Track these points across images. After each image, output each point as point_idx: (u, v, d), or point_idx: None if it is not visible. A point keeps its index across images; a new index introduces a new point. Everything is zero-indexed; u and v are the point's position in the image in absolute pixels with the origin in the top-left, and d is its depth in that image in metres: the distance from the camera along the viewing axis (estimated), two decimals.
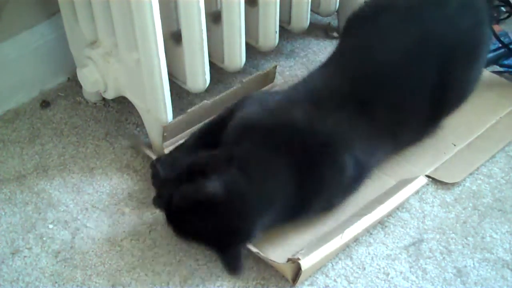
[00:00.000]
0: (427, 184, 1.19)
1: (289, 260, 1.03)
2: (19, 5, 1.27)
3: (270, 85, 1.34)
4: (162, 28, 1.05)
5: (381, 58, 1.13)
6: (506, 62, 1.41)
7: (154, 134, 1.20)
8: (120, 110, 1.35)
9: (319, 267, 1.07)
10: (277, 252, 1.06)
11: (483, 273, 1.07)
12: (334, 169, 1.06)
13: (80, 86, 1.32)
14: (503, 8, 1.54)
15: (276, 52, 1.47)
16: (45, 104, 1.36)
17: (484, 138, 1.25)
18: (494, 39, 1.32)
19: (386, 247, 1.11)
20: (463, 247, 1.11)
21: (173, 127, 1.18)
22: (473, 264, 1.08)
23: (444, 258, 1.09)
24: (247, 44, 1.27)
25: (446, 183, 1.20)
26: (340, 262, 1.08)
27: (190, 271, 1.07)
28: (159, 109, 1.15)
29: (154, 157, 1.20)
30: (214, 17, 1.22)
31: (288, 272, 1.04)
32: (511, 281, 1.06)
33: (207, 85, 1.21)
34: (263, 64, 1.46)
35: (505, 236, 1.12)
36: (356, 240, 1.10)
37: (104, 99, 1.34)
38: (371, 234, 1.12)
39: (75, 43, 1.27)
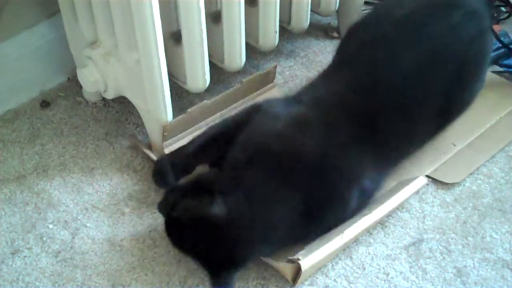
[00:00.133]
0: (427, 184, 1.19)
1: (289, 260, 1.03)
2: (19, 5, 1.27)
3: (270, 85, 1.34)
4: (162, 28, 1.05)
5: (389, 74, 1.10)
6: (506, 62, 1.40)
7: (154, 134, 1.20)
8: (120, 110, 1.35)
9: (319, 267, 1.07)
10: (277, 252, 1.06)
11: (483, 273, 1.07)
12: (340, 205, 1.05)
13: (80, 86, 1.32)
14: (503, 8, 1.54)
15: (276, 52, 1.47)
16: (45, 104, 1.36)
17: (484, 138, 1.25)
18: (494, 39, 1.32)
19: (386, 247, 1.11)
20: (463, 247, 1.11)
21: (173, 126, 1.18)
22: (473, 264, 1.08)
23: (444, 258, 1.09)
24: (247, 44, 1.27)
25: (446, 183, 1.20)
26: (340, 262, 1.08)
27: (190, 271, 1.07)
28: (159, 109, 1.15)
29: (154, 157, 1.20)
30: (214, 17, 1.22)
31: (288, 272, 1.04)
32: (511, 281, 1.06)
33: (207, 85, 1.21)
34: (263, 64, 1.46)
35: (505, 236, 1.12)
36: (356, 240, 1.10)
37: (104, 99, 1.34)
38: (371, 234, 1.12)
39: (75, 43, 1.27)
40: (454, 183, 1.20)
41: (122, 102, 1.33)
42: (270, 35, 1.31)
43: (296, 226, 1.02)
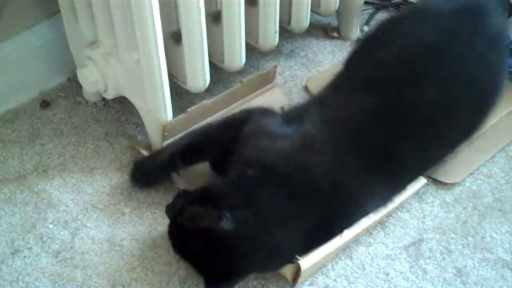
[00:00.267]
0: (427, 184, 1.19)
1: None
2: (19, 5, 1.27)
3: (270, 85, 1.34)
4: (162, 28, 1.05)
5: (414, 100, 1.04)
6: None
7: (154, 134, 1.20)
8: (120, 110, 1.35)
9: (319, 267, 1.07)
10: None
11: (483, 273, 1.07)
12: (345, 226, 1.05)
13: (80, 86, 1.32)
14: None
15: (276, 52, 1.47)
16: (45, 104, 1.36)
17: (484, 138, 1.25)
18: None
19: (386, 247, 1.11)
20: (463, 247, 1.11)
21: (173, 126, 1.18)
22: (473, 264, 1.08)
23: (444, 258, 1.09)
24: (247, 44, 1.27)
25: (446, 183, 1.20)
26: (340, 262, 1.08)
27: (190, 271, 1.07)
28: (159, 109, 1.15)
29: None
30: (214, 17, 1.22)
31: (288, 272, 1.04)
32: (511, 281, 1.06)
33: (207, 85, 1.21)
34: (263, 64, 1.46)
35: (505, 236, 1.12)
36: (356, 240, 1.10)
37: (104, 99, 1.34)
38: (371, 234, 1.12)
39: (75, 43, 1.27)
40: (454, 183, 1.20)
41: (122, 102, 1.33)
42: (270, 35, 1.31)
43: (301, 246, 1.02)
